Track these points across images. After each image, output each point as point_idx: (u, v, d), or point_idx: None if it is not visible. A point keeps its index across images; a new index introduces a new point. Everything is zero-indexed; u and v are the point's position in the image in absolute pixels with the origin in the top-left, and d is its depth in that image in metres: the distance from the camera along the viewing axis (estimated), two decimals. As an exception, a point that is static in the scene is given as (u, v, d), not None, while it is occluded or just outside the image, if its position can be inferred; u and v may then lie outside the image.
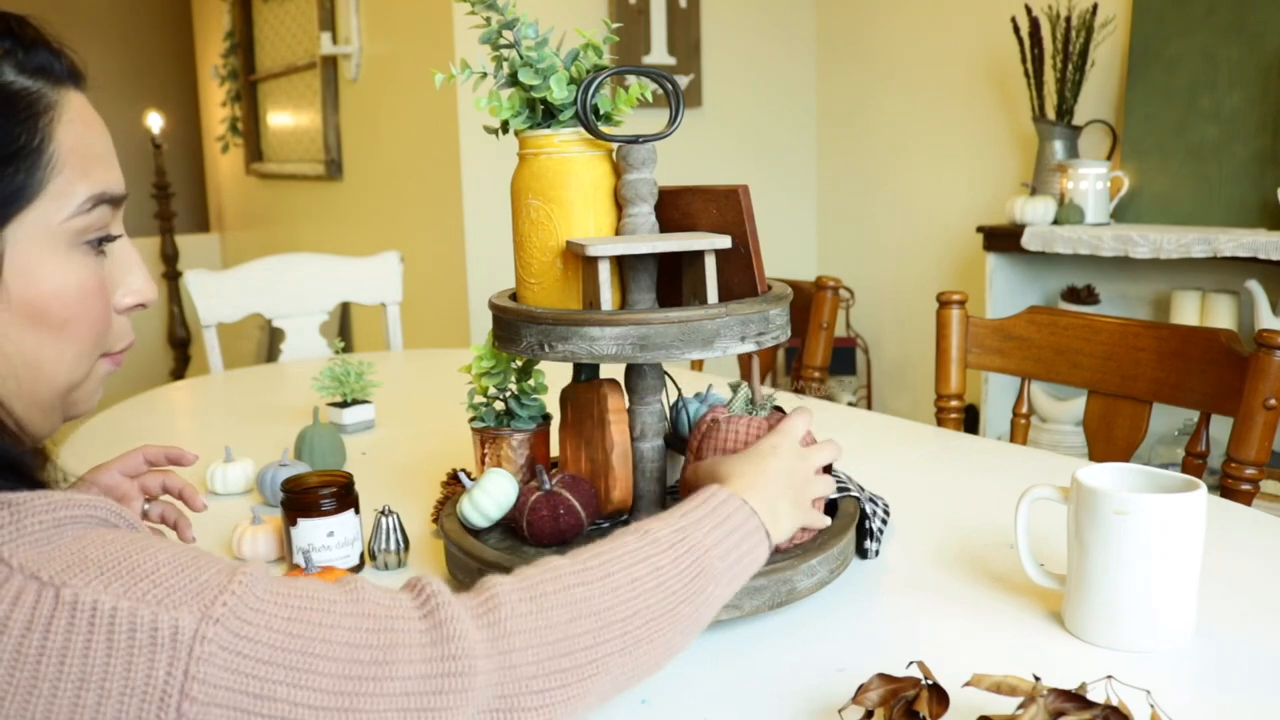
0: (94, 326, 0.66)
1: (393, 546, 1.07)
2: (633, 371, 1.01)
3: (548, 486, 0.99)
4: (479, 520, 1.01)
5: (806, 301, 1.96)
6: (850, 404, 3.29)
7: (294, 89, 4.19)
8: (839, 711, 0.75)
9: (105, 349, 0.70)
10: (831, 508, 1.02)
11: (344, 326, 3.93)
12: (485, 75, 1.02)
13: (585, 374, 1.08)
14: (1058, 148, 2.69)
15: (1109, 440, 1.49)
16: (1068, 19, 2.61)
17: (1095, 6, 2.62)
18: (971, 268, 3.11)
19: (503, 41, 1.00)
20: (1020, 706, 0.64)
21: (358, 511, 1.08)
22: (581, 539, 1.01)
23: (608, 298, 0.95)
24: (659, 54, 3.22)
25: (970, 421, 2.82)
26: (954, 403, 1.65)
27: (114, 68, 6.07)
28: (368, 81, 3.62)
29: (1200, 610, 0.87)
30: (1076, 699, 0.65)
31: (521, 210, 1.02)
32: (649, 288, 1.00)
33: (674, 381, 1.11)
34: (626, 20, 3.14)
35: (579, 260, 0.99)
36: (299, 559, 1.03)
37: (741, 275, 0.98)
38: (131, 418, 1.82)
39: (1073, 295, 2.72)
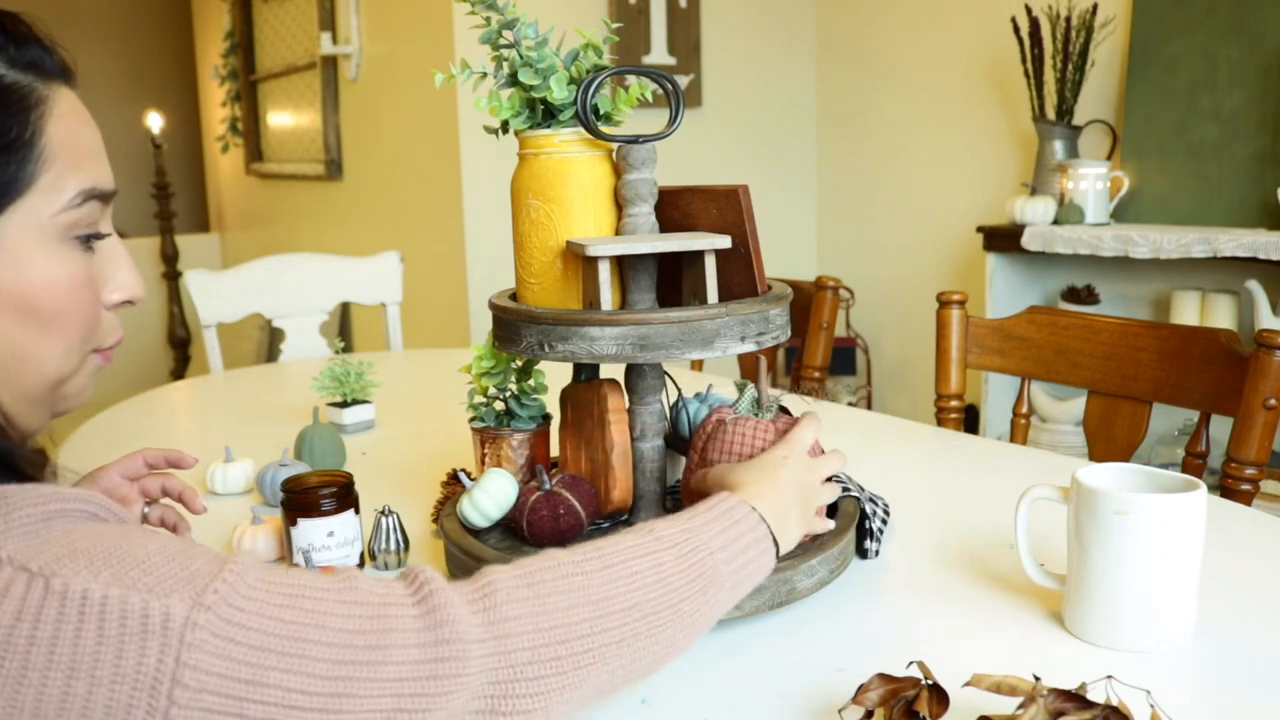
0: (83, 321, 0.67)
1: (393, 546, 1.07)
2: (633, 371, 1.01)
3: (548, 486, 0.99)
4: (479, 520, 1.01)
5: (806, 301, 1.96)
6: (850, 404, 3.29)
7: (294, 89, 4.19)
8: (839, 711, 0.75)
9: (95, 344, 0.71)
10: (831, 508, 1.02)
11: (344, 326, 3.93)
12: (485, 75, 1.02)
13: (585, 374, 1.08)
14: (1058, 148, 2.70)
15: (1109, 440, 1.49)
16: (1068, 19, 2.61)
17: (1095, 6, 2.62)
18: (971, 268, 3.11)
19: (503, 41, 1.00)
20: (1020, 706, 0.64)
21: (358, 511, 1.08)
22: (582, 539, 1.01)
23: (608, 298, 0.95)
24: (659, 54, 3.22)
25: (970, 421, 2.82)
26: (954, 403, 1.65)
27: (114, 68, 6.07)
28: (368, 81, 3.62)
29: (1200, 610, 0.87)
30: (1076, 699, 0.65)
31: (521, 210, 1.02)
32: (649, 288, 1.00)
33: (674, 381, 1.11)
34: (626, 20, 3.14)
35: (579, 260, 0.99)
36: (299, 559, 1.03)
37: (741, 275, 0.98)
38: (131, 418, 1.82)
39: (1073, 295, 2.72)
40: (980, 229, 2.76)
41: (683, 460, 1.08)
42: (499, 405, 1.14)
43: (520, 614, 0.61)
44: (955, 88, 3.15)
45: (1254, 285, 2.27)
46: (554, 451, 1.18)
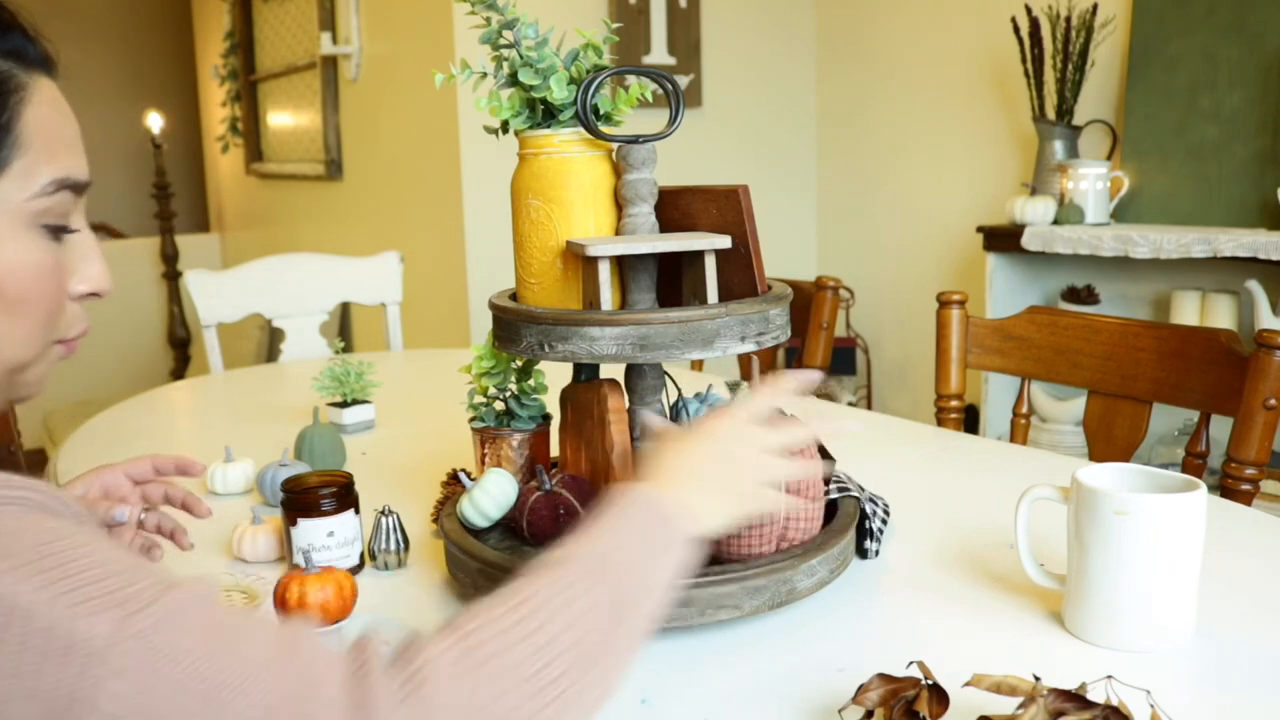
0: (46, 308, 0.67)
1: (393, 546, 1.07)
2: (633, 371, 1.01)
3: (548, 486, 0.99)
4: (479, 520, 1.01)
5: (806, 301, 1.96)
6: (850, 404, 3.29)
7: (294, 89, 4.19)
8: (839, 711, 0.75)
9: (58, 335, 0.70)
10: (831, 508, 1.03)
11: (344, 326, 3.93)
12: (485, 75, 1.02)
13: (585, 374, 1.08)
14: (1058, 148, 2.69)
15: (1109, 440, 1.49)
16: (1068, 19, 2.61)
17: (1095, 6, 2.62)
18: (971, 268, 3.11)
19: (503, 41, 1.00)
20: (1020, 706, 0.64)
21: (358, 511, 1.08)
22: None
23: (608, 298, 0.95)
24: (659, 54, 3.22)
25: (970, 421, 2.82)
26: (954, 403, 1.65)
27: (114, 68, 6.07)
28: (368, 81, 3.62)
29: (1200, 610, 0.87)
30: (1076, 699, 0.65)
31: (521, 210, 1.02)
32: (649, 288, 1.00)
33: (674, 381, 1.11)
34: (626, 20, 3.14)
35: (579, 260, 0.99)
36: (299, 559, 1.03)
37: (741, 275, 0.98)
38: (131, 418, 1.82)
39: (1073, 295, 2.72)
40: (980, 229, 2.75)
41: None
42: (499, 405, 1.14)
43: (451, 703, 0.56)
44: (955, 88, 3.14)
45: (1254, 285, 2.27)
46: (554, 451, 1.18)
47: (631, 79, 1.03)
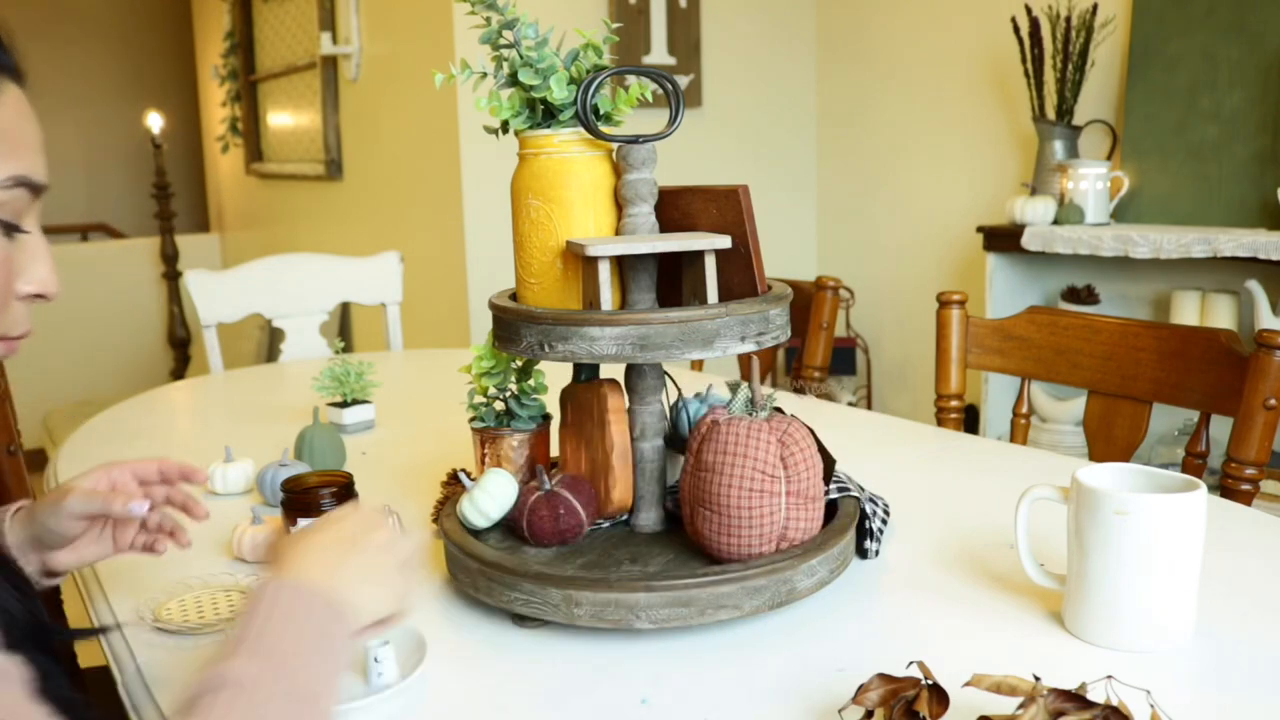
0: None
1: (393, 546, 1.07)
2: (633, 371, 1.01)
3: (548, 486, 0.99)
4: (479, 520, 1.01)
5: (806, 301, 1.96)
6: (850, 404, 3.29)
7: (294, 89, 4.19)
8: (839, 711, 0.75)
9: (1, 332, 0.71)
10: (831, 508, 1.03)
11: (344, 326, 3.93)
12: (485, 75, 1.02)
13: (585, 374, 1.08)
14: (1058, 148, 2.69)
15: (1109, 440, 1.49)
16: (1068, 19, 2.61)
17: (1095, 6, 2.62)
18: (971, 268, 3.11)
19: (503, 41, 1.00)
20: (1020, 706, 0.64)
21: (358, 511, 1.08)
22: (582, 539, 1.01)
23: (608, 298, 0.95)
24: (659, 54, 3.22)
25: (970, 421, 2.81)
26: (954, 403, 1.65)
27: (114, 68, 6.08)
28: (368, 81, 3.62)
29: (1200, 610, 0.87)
30: (1076, 699, 0.65)
31: (521, 210, 1.02)
32: (649, 288, 1.00)
33: (674, 381, 1.11)
34: (626, 20, 3.14)
35: (579, 260, 0.99)
36: (299, 559, 1.03)
37: (741, 275, 0.98)
38: (131, 418, 1.82)
39: (1073, 295, 2.72)
40: (980, 229, 2.75)
41: (682, 460, 1.08)
42: (499, 405, 1.14)
43: None
44: (955, 88, 3.14)
45: (1254, 285, 2.27)
46: (554, 451, 1.18)
47: (631, 79, 1.03)
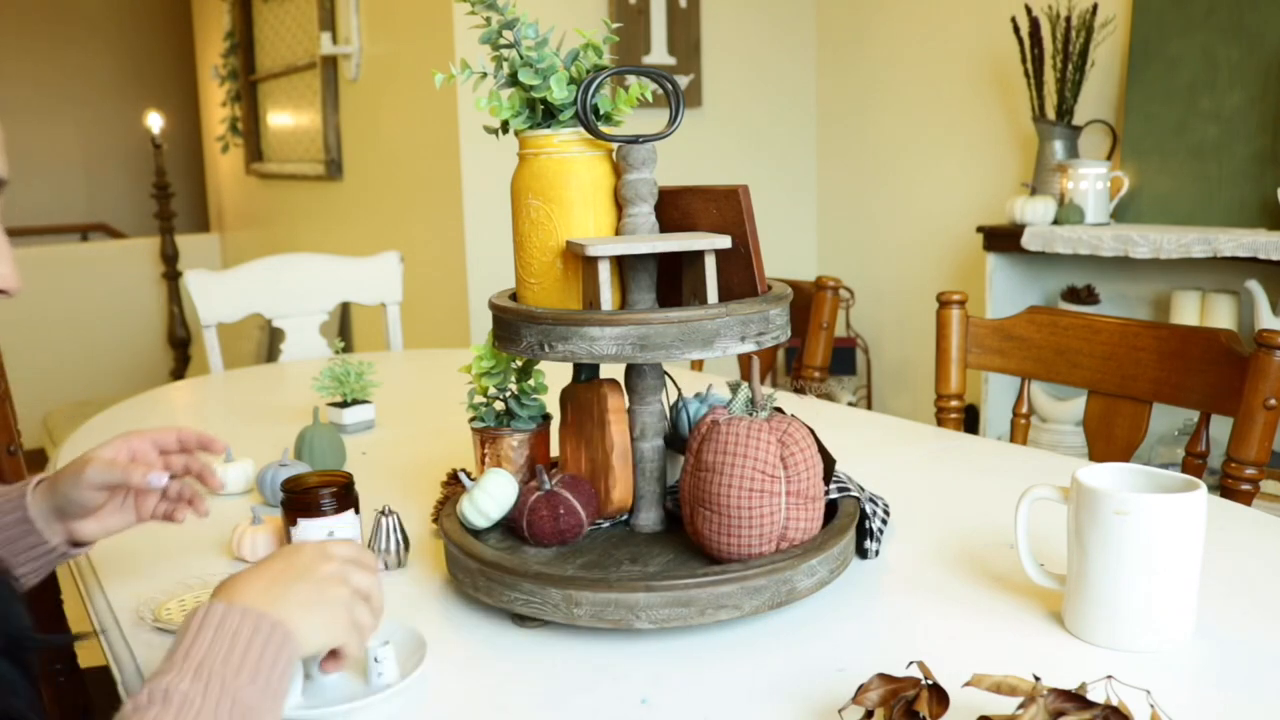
0: None
1: (393, 546, 1.07)
2: (633, 371, 1.01)
3: (548, 486, 0.99)
4: (479, 520, 1.01)
5: (806, 301, 1.96)
6: (850, 404, 3.29)
7: (294, 89, 4.19)
8: (839, 711, 0.75)
9: None
10: (831, 508, 1.03)
11: (344, 326, 3.93)
12: (485, 75, 1.02)
13: (585, 374, 1.08)
14: (1058, 148, 2.69)
15: (1109, 440, 1.49)
16: (1068, 19, 2.61)
17: (1095, 6, 2.62)
18: (971, 268, 3.11)
19: (503, 41, 1.00)
20: (1020, 706, 0.64)
21: (358, 511, 1.08)
22: (582, 539, 1.01)
23: (608, 298, 0.95)
24: (659, 54, 3.22)
25: (970, 421, 2.82)
26: (954, 403, 1.65)
27: (114, 68, 6.07)
28: (368, 81, 3.62)
29: (1200, 610, 0.87)
30: (1076, 699, 0.65)
31: (521, 210, 1.02)
32: (649, 288, 1.00)
33: (674, 381, 1.11)
34: (626, 20, 3.14)
35: (579, 260, 0.99)
36: (299, 559, 1.03)
37: (741, 275, 0.98)
38: (131, 418, 1.82)
39: (1073, 295, 2.72)
40: (980, 229, 2.75)
41: (682, 460, 1.08)
42: (499, 405, 1.14)
43: None
44: (955, 88, 3.14)
45: (1254, 285, 2.27)
46: (554, 451, 1.18)
47: (631, 79, 1.03)
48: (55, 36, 5.89)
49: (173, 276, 4.92)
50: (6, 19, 5.74)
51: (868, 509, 1.06)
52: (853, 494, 1.05)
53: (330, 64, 3.77)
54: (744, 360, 2.08)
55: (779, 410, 0.99)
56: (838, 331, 3.37)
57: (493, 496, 1.01)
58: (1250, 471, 1.30)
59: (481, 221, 3.11)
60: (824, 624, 0.92)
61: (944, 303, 1.65)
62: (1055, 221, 2.61)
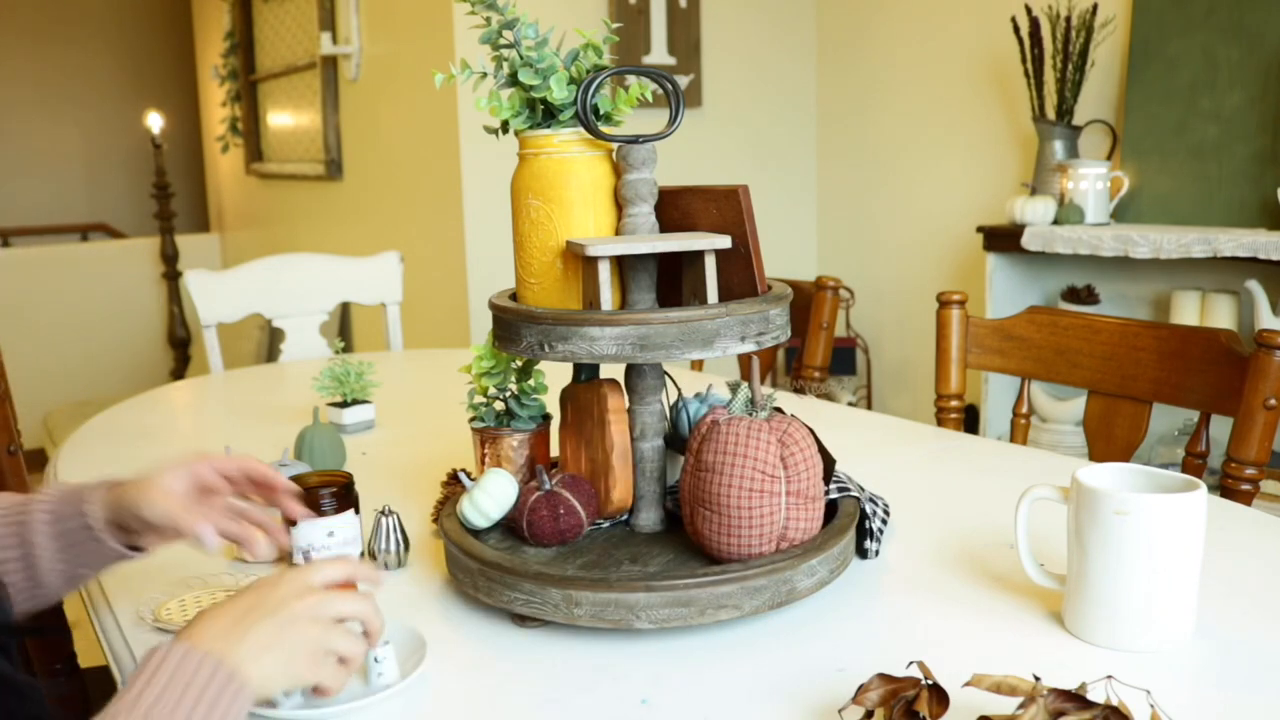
0: None
1: (393, 546, 1.07)
2: (633, 371, 1.01)
3: (548, 486, 0.99)
4: (479, 520, 1.01)
5: (806, 301, 1.96)
6: (850, 404, 3.29)
7: (294, 89, 4.19)
8: (839, 711, 0.75)
9: None
10: (831, 508, 1.03)
11: (344, 326, 3.92)
12: (485, 75, 1.02)
13: (585, 374, 1.08)
14: (1058, 148, 2.69)
15: (1109, 440, 1.49)
16: (1068, 19, 2.61)
17: (1095, 6, 2.62)
18: (971, 268, 3.11)
19: (503, 41, 1.00)
20: (1020, 706, 0.64)
21: (358, 511, 1.08)
22: (582, 539, 1.01)
23: (608, 298, 0.95)
24: (659, 54, 3.22)
25: (970, 421, 2.81)
26: (954, 403, 1.65)
27: (114, 67, 6.07)
28: (368, 81, 3.62)
29: (1200, 610, 0.87)
30: (1076, 699, 0.65)
31: (521, 210, 1.02)
32: (649, 288, 1.00)
33: (674, 381, 1.11)
34: (626, 20, 3.14)
35: (579, 260, 0.99)
36: (299, 559, 1.03)
37: (741, 275, 0.98)
38: (131, 418, 1.82)
39: (1073, 295, 2.72)
40: (980, 229, 2.75)
41: (682, 460, 1.08)
42: (499, 405, 1.14)
43: None
44: (955, 88, 3.14)
45: (1254, 285, 2.27)
46: (554, 451, 1.18)
47: (631, 79, 1.03)
48: (55, 36, 5.89)
49: (173, 276, 4.92)
50: (6, 19, 5.74)
51: (868, 509, 1.06)
52: (853, 494, 1.05)
53: (330, 64, 3.77)
54: (744, 360, 2.08)
55: (779, 410, 0.99)
56: (838, 331, 3.37)
57: (493, 496, 1.01)
58: (1250, 471, 1.30)
59: (481, 221, 3.11)
60: (824, 624, 0.92)
61: (944, 303, 1.65)
62: (1055, 221, 2.61)
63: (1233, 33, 2.44)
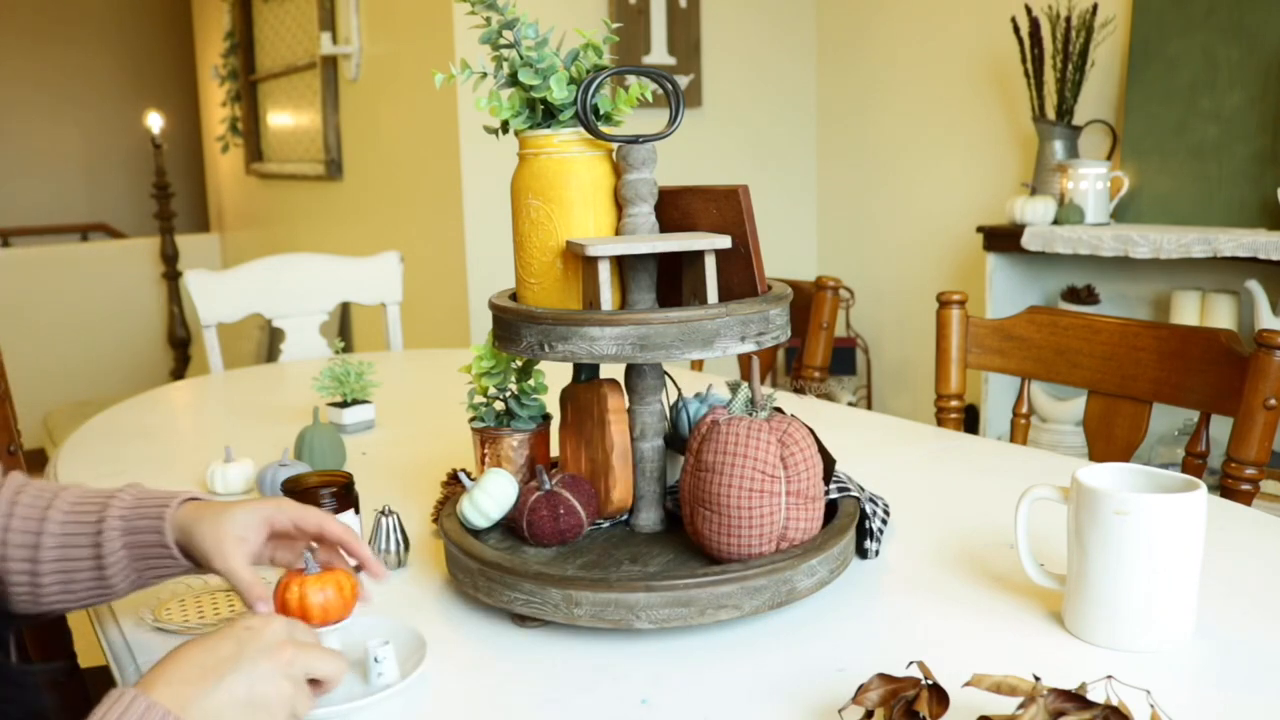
0: None
1: (393, 546, 1.07)
2: (633, 371, 1.01)
3: (548, 486, 0.99)
4: (479, 520, 1.01)
5: (806, 301, 1.96)
6: (850, 404, 3.29)
7: (294, 89, 4.19)
8: (839, 711, 0.75)
9: None
10: (831, 508, 1.03)
11: (344, 326, 3.93)
12: (485, 75, 1.02)
13: (585, 374, 1.08)
14: (1058, 148, 2.69)
15: (1109, 440, 1.49)
16: (1068, 19, 2.61)
17: (1095, 6, 2.62)
18: (971, 268, 3.11)
19: (503, 41, 1.00)
20: (1020, 706, 0.64)
21: (358, 511, 1.08)
22: (582, 539, 1.01)
23: (608, 298, 0.95)
24: (659, 54, 3.22)
25: (970, 421, 2.82)
26: (954, 403, 1.65)
27: (114, 67, 6.07)
28: (368, 81, 3.62)
29: (1200, 610, 0.87)
30: (1076, 699, 0.65)
31: (521, 210, 1.02)
32: (649, 288, 1.00)
33: (674, 381, 1.11)
34: (626, 20, 3.14)
35: (579, 260, 0.99)
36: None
37: (741, 275, 0.98)
38: (131, 418, 1.82)
39: (1073, 295, 2.72)
40: (980, 229, 2.75)
41: (682, 460, 1.08)
42: (499, 405, 1.14)
43: None
44: (955, 88, 3.14)
45: (1254, 285, 2.27)
46: (554, 451, 1.18)
47: (631, 79, 1.03)
48: (55, 36, 5.89)
49: (173, 276, 4.92)
50: (7, 19, 5.74)
51: (868, 509, 1.06)
52: (853, 494, 1.05)
53: (330, 64, 3.77)
54: (744, 360, 2.08)
55: (779, 410, 0.99)
56: (838, 331, 3.37)
57: (493, 496, 1.01)
58: (1250, 471, 1.30)
59: (481, 221, 3.11)
60: (824, 624, 0.92)
61: (944, 303, 1.65)
62: (1055, 221, 2.61)
63: (1233, 33, 2.44)
